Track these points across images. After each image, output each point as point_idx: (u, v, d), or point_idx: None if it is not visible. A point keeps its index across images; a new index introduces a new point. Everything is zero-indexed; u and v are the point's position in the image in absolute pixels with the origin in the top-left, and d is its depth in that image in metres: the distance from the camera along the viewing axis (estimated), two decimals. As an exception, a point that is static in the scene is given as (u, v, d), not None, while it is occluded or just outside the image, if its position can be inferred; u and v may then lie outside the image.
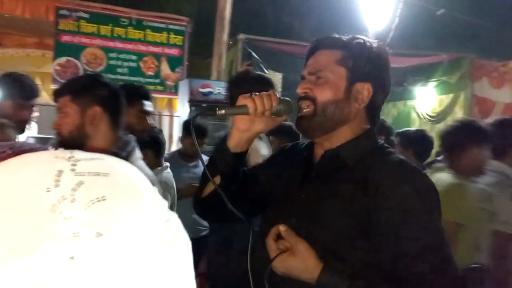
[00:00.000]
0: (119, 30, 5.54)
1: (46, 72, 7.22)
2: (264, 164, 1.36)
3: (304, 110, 1.12)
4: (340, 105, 1.11)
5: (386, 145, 1.18)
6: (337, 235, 1.03)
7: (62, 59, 5.34)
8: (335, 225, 1.04)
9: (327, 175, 1.12)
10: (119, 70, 5.57)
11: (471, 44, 7.66)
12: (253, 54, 5.99)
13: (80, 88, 1.52)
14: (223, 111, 1.07)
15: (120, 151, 1.52)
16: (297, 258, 1.01)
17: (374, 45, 1.15)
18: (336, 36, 1.16)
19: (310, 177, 1.14)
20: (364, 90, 1.12)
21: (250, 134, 1.12)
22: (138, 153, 1.60)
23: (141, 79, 5.64)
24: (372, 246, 1.01)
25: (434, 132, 8.41)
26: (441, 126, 8.15)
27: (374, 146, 1.15)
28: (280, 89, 5.06)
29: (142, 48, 5.66)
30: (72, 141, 1.49)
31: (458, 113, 7.78)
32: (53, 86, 5.14)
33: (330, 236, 1.04)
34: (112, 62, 5.54)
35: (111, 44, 5.52)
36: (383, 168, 1.06)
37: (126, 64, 5.60)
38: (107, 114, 1.52)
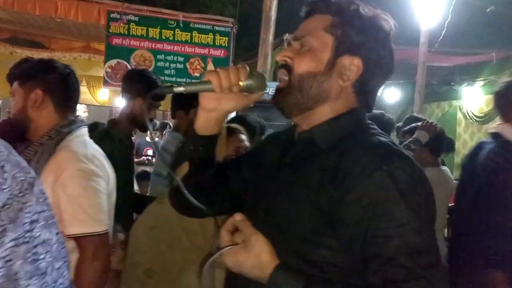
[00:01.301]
0: (166, 32, 5.63)
1: (92, 75, 7.44)
2: (249, 152, 1.23)
3: (280, 83, 0.99)
4: (320, 79, 0.96)
5: (372, 125, 1.01)
6: (301, 231, 0.90)
7: (113, 62, 5.47)
8: (299, 219, 0.91)
9: (300, 162, 0.98)
10: (166, 71, 5.66)
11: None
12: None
13: (25, 73, 1.56)
14: (182, 88, 0.95)
15: (63, 128, 1.54)
16: (249, 252, 0.88)
17: (373, 13, 0.99)
18: None
19: (286, 164, 1.01)
20: (352, 66, 0.96)
21: (218, 114, 1.00)
22: (83, 131, 1.61)
23: (188, 80, 5.70)
24: (339, 243, 0.87)
25: (481, 133, 8.18)
26: (488, 127, 7.89)
27: (357, 128, 0.98)
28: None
29: (188, 49, 5.73)
30: (18, 124, 1.55)
31: (507, 114, 7.52)
32: (105, 88, 5.32)
33: (294, 232, 0.91)
34: (160, 64, 5.64)
35: (159, 46, 5.61)
36: (356, 151, 0.89)
37: (173, 65, 5.68)
38: (50, 97, 1.54)
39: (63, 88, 1.58)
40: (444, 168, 3.24)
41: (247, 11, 7.90)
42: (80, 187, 1.45)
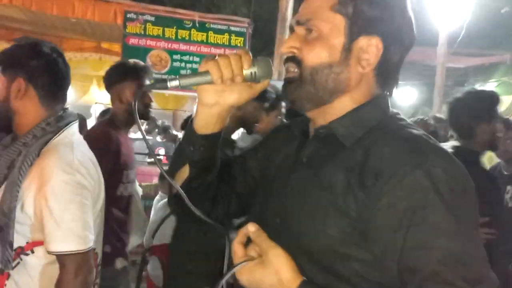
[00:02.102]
0: (182, 33, 5.62)
1: (103, 75, 7.43)
2: (257, 147, 1.08)
3: (289, 74, 0.86)
4: (336, 69, 0.83)
5: (398, 115, 0.88)
6: (326, 241, 0.79)
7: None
8: (323, 227, 0.79)
9: (319, 161, 0.85)
10: (182, 72, 5.64)
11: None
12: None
13: (7, 59, 1.44)
14: (176, 82, 0.81)
15: (49, 127, 1.42)
16: (267, 269, 0.77)
17: None
18: None
19: (301, 163, 0.88)
20: (371, 47, 0.83)
21: (221, 108, 0.86)
22: (73, 129, 1.48)
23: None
24: (372, 256, 0.77)
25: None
26: (501, 128, 7.89)
27: (383, 118, 0.85)
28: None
29: (204, 50, 5.72)
30: (1, 115, 1.44)
31: (520, 115, 7.52)
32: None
33: (317, 242, 0.80)
34: (175, 64, 5.63)
35: (175, 46, 5.61)
36: (387, 147, 0.78)
37: (189, 66, 5.67)
38: (33, 87, 1.42)
39: (48, 76, 1.43)
40: None
41: (258, 12, 7.90)
42: (63, 202, 1.33)
